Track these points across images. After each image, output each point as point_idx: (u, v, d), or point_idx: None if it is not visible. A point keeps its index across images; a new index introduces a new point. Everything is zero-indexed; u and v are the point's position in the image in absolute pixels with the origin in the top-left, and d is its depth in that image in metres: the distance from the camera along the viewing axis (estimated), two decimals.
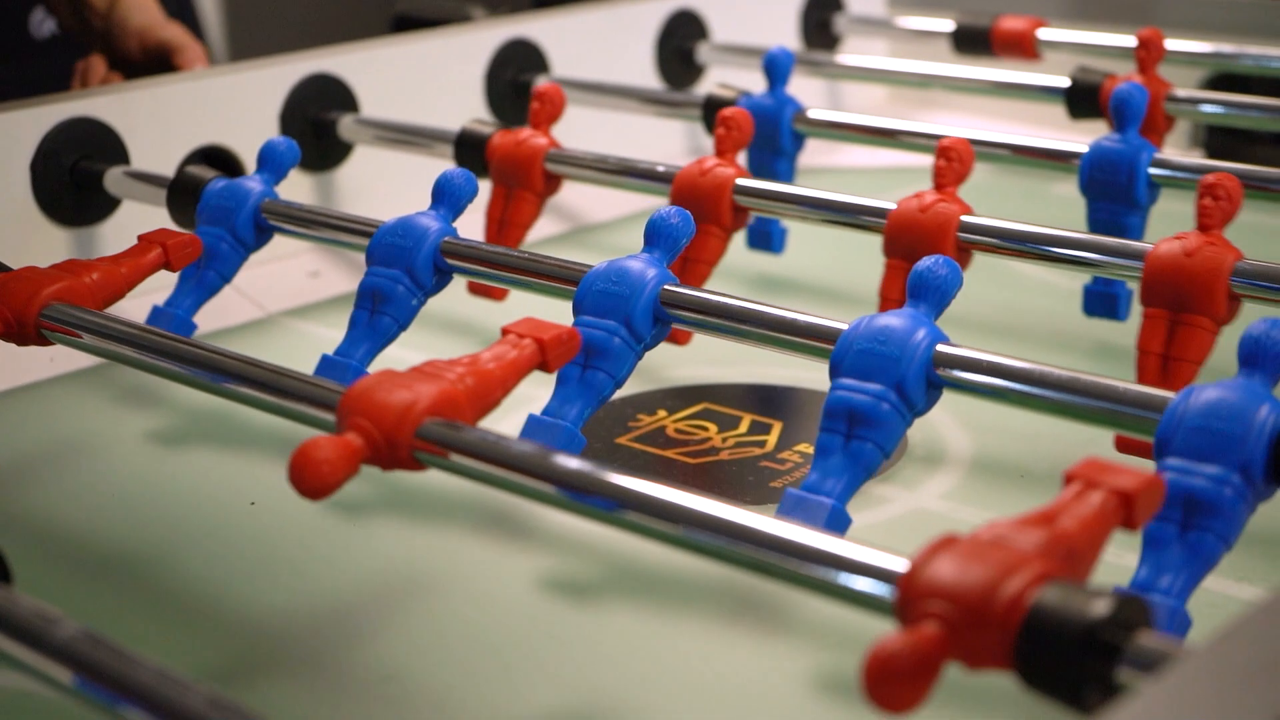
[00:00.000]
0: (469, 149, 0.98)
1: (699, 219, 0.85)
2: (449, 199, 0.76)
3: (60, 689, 0.48)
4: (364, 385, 0.59)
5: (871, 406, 0.60)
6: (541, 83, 1.13)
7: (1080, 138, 0.93)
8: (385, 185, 1.08)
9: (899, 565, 0.46)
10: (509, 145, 0.95)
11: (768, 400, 0.89)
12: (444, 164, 1.01)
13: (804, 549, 0.48)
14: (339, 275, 1.06)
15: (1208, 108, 1.03)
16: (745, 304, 0.67)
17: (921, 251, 0.78)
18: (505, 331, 0.63)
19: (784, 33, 1.32)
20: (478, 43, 1.13)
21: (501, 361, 0.61)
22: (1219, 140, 1.25)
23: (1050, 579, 0.43)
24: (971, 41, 1.22)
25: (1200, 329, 0.71)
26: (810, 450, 0.80)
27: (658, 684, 0.62)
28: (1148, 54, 1.02)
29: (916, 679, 0.42)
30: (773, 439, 0.82)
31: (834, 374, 0.62)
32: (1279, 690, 0.36)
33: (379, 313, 0.75)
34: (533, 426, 0.67)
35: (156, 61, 1.15)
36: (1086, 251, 0.77)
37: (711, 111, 1.04)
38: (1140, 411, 0.56)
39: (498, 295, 0.92)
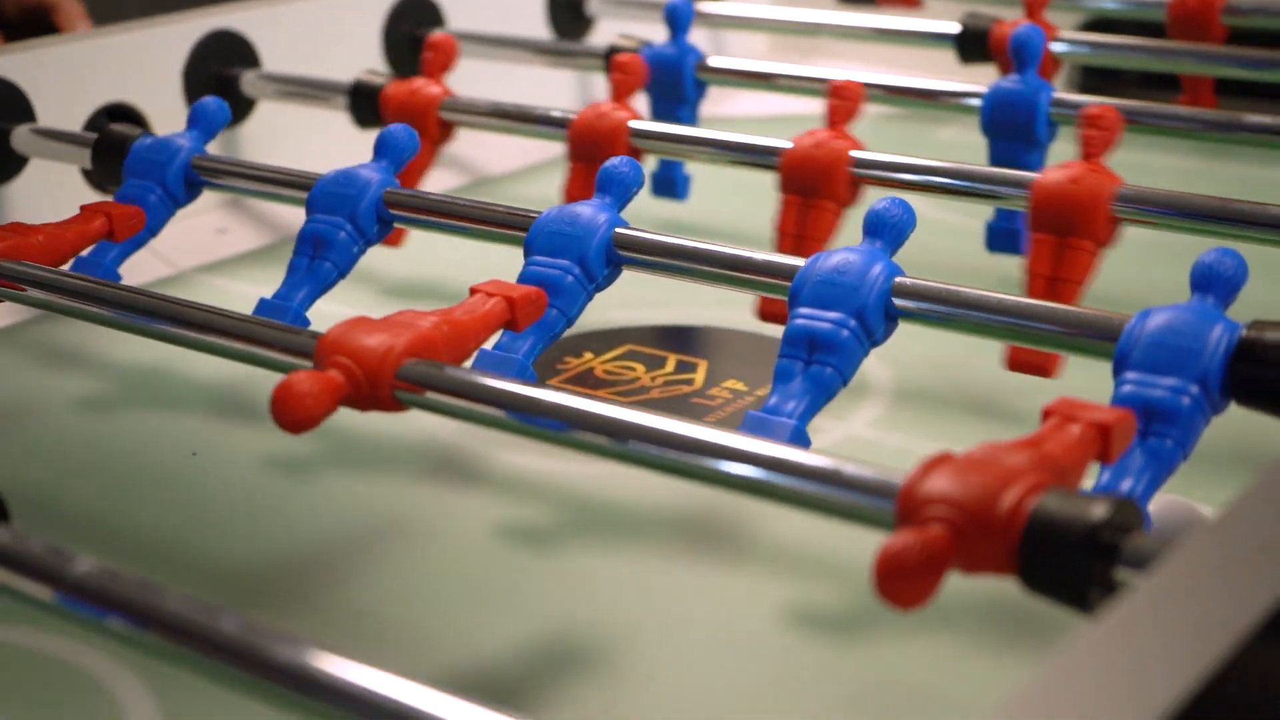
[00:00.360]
0: (363, 99, 1.00)
1: (597, 161, 0.88)
2: (391, 153, 0.77)
3: (84, 624, 0.49)
4: (342, 329, 0.60)
5: (832, 333, 0.62)
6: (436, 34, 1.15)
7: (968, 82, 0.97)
8: (289, 139, 1.09)
9: (895, 479, 0.48)
10: (403, 94, 0.97)
11: (688, 340, 0.91)
12: (344, 116, 1.02)
13: (799, 467, 0.50)
14: (246, 232, 1.06)
15: (1087, 50, 1.08)
16: (700, 244, 0.69)
17: (816, 187, 0.82)
18: (474, 290, 0.64)
19: None
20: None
21: (473, 314, 0.62)
22: (1092, 81, 1.29)
23: (1046, 489, 0.46)
24: None
25: (1083, 251, 0.74)
26: (739, 386, 0.83)
27: (625, 613, 0.64)
28: None
29: (925, 575, 0.45)
30: (700, 376, 0.85)
31: (792, 304, 0.64)
32: (1276, 570, 0.39)
33: (319, 258, 0.75)
34: (484, 360, 0.68)
35: (35, 21, 1.14)
36: (976, 183, 0.81)
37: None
38: (1094, 335, 0.59)
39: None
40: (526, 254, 0.71)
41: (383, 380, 0.58)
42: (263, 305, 0.75)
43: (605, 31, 1.26)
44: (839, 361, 0.62)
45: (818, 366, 0.62)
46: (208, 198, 1.02)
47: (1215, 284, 0.58)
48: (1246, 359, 0.55)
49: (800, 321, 0.63)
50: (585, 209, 0.70)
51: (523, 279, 0.69)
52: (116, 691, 0.59)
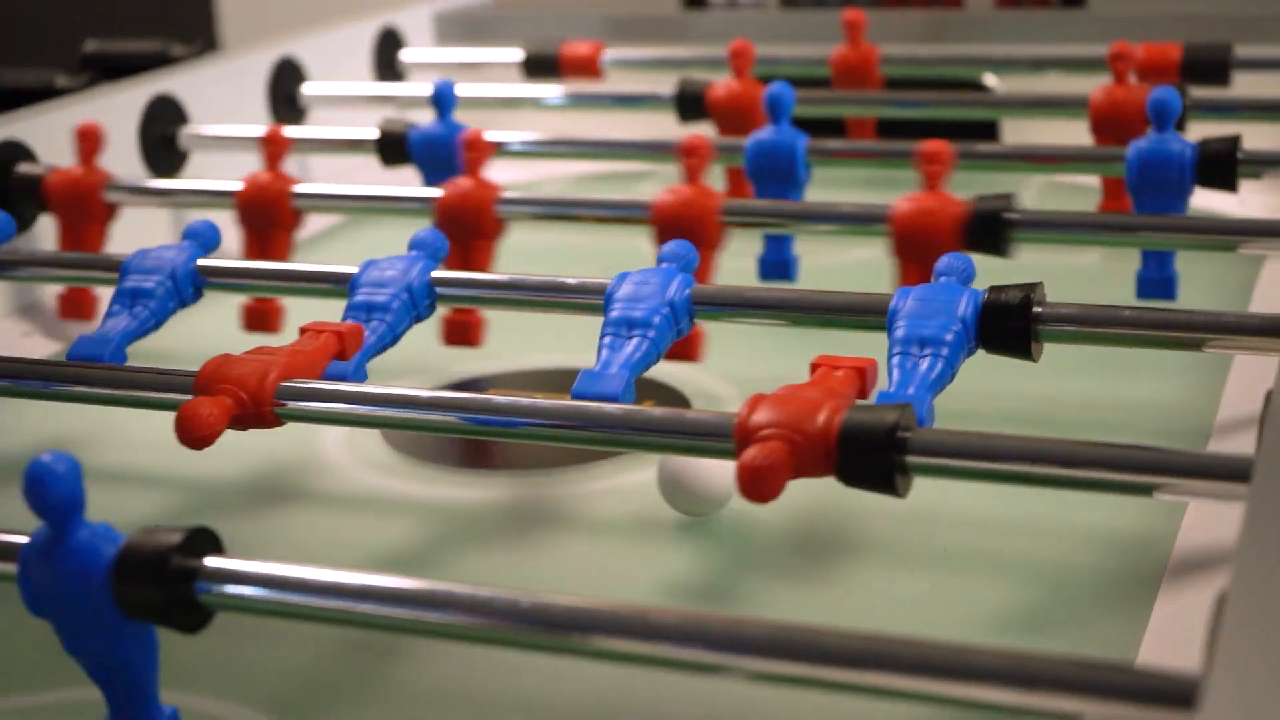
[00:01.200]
0: (22, 190, 1.09)
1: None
2: (204, 242, 0.87)
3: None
4: (216, 363, 0.71)
5: (647, 317, 0.74)
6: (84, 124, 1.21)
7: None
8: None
9: (728, 418, 0.63)
10: (65, 182, 1.08)
11: (545, 382, 1.01)
12: (127, 211, 1.11)
13: (651, 420, 0.65)
14: (47, 338, 1.11)
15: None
16: (511, 276, 0.82)
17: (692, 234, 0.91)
18: (304, 330, 0.75)
19: (360, 70, 1.49)
20: (130, 100, 1.24)
21: (314, 345, 0.74)
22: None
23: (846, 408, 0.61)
24: (541, 67, 1.40)
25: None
26: None
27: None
28: (743, 61, 1.20)
29: (775, 476, 0.59)
30: None
31: (608, 306, 0.75)
32: None
33: (138, 305, 0.84)
34: (330, 374, 0.76)
35: None
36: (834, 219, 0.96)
37: (387, 144, 1.15)
38: (868, 312, 0.74)
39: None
40: (351, 293, 0.80)
41: (265, 399, 0.70)
42: (81, 341, 0.82)
43: (316, 119, 1.40)
44: (656, 337, 0.74)
45: (638, 339, 0.73)
46: (7, 301, 1.11)
47: (954, 273, 0.73)
48: (993, 312, 0.71)
49: (617, 313, 0.74)
50: (399, 261, 0.81)
51: (352, 307, 0.79)
52: None
